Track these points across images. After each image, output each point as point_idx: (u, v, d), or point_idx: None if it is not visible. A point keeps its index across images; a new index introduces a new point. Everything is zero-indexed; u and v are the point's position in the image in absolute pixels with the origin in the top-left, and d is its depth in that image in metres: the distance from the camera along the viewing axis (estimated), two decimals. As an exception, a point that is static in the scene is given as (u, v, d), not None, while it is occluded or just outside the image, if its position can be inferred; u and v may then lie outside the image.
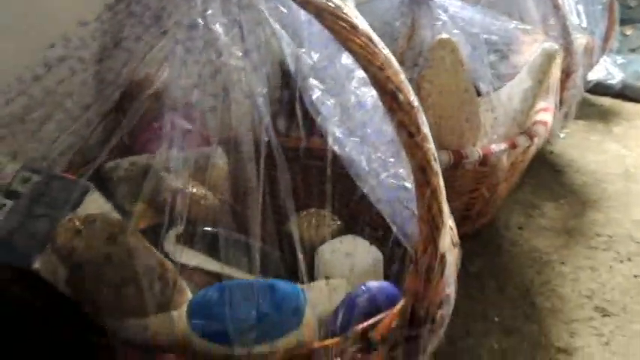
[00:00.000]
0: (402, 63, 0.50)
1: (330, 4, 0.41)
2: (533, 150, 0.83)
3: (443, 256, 0.42)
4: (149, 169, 0.54)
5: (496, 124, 0.79)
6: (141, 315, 0.37)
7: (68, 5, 0.50)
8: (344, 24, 0.40)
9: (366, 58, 0.40)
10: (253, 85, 0.41)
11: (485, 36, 0.82)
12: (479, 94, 0.80)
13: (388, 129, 0.45)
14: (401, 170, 0.46)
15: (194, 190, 0.58)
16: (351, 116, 0.45)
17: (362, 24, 0.41)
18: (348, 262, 0.59)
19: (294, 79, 0.45)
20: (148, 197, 0.56)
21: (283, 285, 0.41)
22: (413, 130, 0.40)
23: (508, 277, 0.86)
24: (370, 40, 0.41)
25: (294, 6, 0.45)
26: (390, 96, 0.40)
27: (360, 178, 0.46)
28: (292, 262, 0.52)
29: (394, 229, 0.47)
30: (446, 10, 0.78)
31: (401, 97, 0.40)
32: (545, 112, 0.86)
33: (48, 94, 0.44)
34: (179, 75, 0.41)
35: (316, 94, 0.46)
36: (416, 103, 0.41)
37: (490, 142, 0.79)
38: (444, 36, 0.74)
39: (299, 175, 0.70)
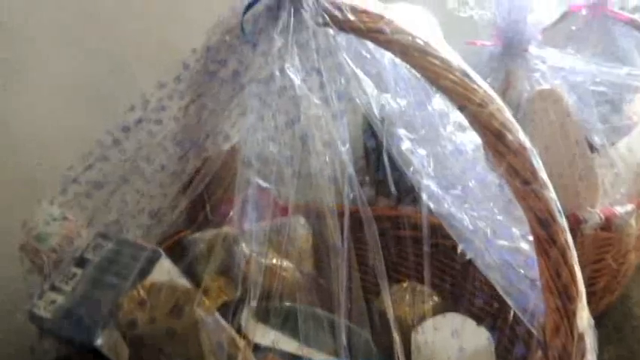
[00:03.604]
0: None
1: (417, 40, 0.36)
2: (668, 211, 0.70)
3: (581, 338, 0.32)
4: (226, 240, 0.51)
5: (618, 182, 0.68)
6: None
7: (150, 68, 0.51)
8: (434, 60, 0.36)
9: (463, 96, 0.35)
10: (334, 135, 0.37)
11: (592, 88, 0.73)
12: (592, 149, 0.70)
13: (494, 179, 0.38)
14: (514, 229, 0.38)
15: (273, 261, 0.53)
16: (448, 167, 0.38)
17: (455, 58, 0.36)
18: (453, 345, 0.50)
19: (380, 131, 0.40)
20: (223, 269, 0.52)
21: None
22: (527, 176, 0.33)
23: (655, 370, 0.69)
24: (466, 75, 0.35)
25: (377, 50, 0.41)
26: (495, 136, 0.34)
27: (463, 239, 0.38)
28: (384, 343, 0.44)
29: (510, 302, 0.38)
30: (544, 61, 0.71)
31: (509, 136, 0.33)
32: (678, 168, 0.73)
33: (126, 159, 0.42)
34: (254, 129, 0.38)
35: (405, 144, 0.40)
36: (528, 144, 0.34)
37: (613, 202, 0.68)
38: (545, 86, 0.66)
39: (390, 247, 0.63)
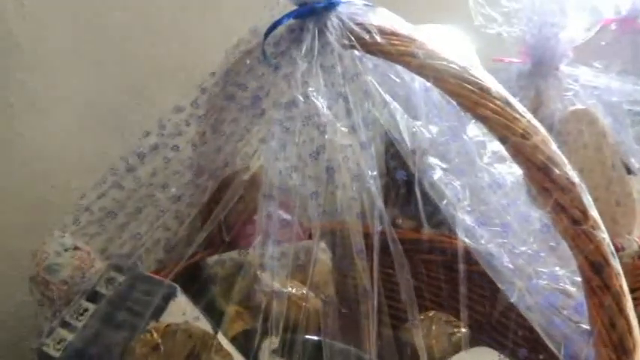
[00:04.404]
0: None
1: (452, 65, 0.34)
2: None
3: (640, 396, 0.29)
4: (247, 270, 0.49)
5: (657, 207, 0.64)
6: None
7: (166, 89, 0.50)
8: (471, 87, 0.33)
9: (504, 126, 0.32)
10: (362, 166, 0.34)
11: (627, 107, 0.70)
12: (628, 172, 0.67)
13: (537, 215, 0.35)
14: (557, 269, 0.35)
15: (292, 291, 0.50)
16: (485, 200, 0.36)
17: (494, 85, 0.33)
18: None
19: (410, 158, 0.38)
20: (242, 299, 0.50)
21: None
22: (577, 215, 0.30)
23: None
24: (507, 103, 0.33)
25: (406, 72, 0.39)
26: (540, 171, 0.31)
27: (502, 278, 0.35)
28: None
29: (554, 349, 0.34)
30: (576, 80, 0.68)
31: (556, 171, 0.31)
32: None
33: (140, 186, 0.40)
34: (276, 158, 0.36)
35: (437, 174, 0.37)
36: (576, 178, 0.31)
37: (652, 229, 0.64)
38: (579, 107, 0.63)
39: (416, 271, 0.60)
